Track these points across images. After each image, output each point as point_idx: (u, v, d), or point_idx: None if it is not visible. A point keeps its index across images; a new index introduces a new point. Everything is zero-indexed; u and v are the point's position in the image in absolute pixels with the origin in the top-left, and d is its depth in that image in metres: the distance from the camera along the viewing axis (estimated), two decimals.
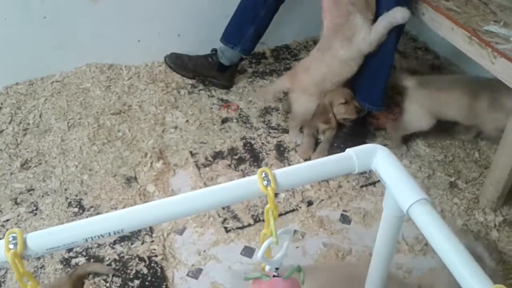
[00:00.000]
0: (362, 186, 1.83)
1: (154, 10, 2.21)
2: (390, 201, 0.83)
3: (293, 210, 1.75)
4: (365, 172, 1.87)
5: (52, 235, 0.72)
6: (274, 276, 0.91)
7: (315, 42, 2.52)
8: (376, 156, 0.84)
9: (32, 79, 2.20)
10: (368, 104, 1.93)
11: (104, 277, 1.51)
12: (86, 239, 0.72)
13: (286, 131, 2.05)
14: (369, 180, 1.86)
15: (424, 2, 1.80)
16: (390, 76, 1.91)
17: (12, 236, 0.70)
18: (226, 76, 2.25)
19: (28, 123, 2.05)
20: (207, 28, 2.31)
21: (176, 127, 2.06)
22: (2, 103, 2.11)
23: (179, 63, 2.25)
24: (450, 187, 1.82)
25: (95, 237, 0.73)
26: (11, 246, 0.69)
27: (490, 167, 1.71)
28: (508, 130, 1.60)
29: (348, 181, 1.84)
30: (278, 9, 2.10)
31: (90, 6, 2.11)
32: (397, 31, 1.80)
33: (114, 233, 0.74)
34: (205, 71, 2.24)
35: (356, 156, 0.84)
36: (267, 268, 0.90)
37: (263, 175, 0.80)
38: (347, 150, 0.86)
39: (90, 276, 1.51)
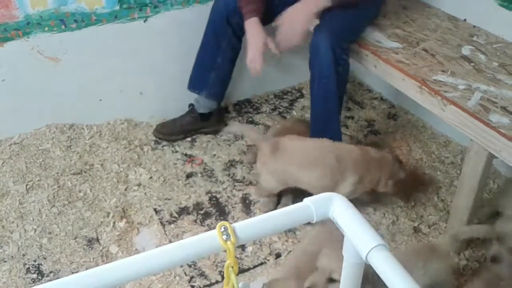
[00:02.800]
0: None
1: (115, 69, 2.24)
2: (349, 248, 0.83)
3: (261, 264, 1.73)
4: None
5: None
6: None
7: (275, 96, 2.64)
8: (333, 204, 0.85)
9: None
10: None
11: None
12: None
13: (251, 183, 2.05)
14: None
15: (375, 55, 1.89)
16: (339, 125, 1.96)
17: None
18: (212, 123, 2.31)
19: None
20: (169, 84, 2.36)
21: (139, 185, 2.04)
22: None
23: (165, 131, 2.29)
24: (415, 232, 1.85)
25: None
26: None
27: (450, 212, 1.76)
28: (463, 175, 1.66)
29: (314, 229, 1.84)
30: (237, 56, 2.17)
31: (50, 67, 2.11)
32: (336, 74, 1.82)
33: None
34: (192, 127, 2.30)
35: (314, 205, 0.85)
36: None
37: (222, 229, 0.80)
38: (305, 199, 0.87)
39: None
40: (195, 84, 2.24)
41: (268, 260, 1.74)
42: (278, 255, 1.76)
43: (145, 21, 2.17)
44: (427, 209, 1.94)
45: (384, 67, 1.86)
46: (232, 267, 0.80)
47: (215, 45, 2.11)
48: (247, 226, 0.82)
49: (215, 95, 2.25)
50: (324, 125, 1.93)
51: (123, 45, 2.19)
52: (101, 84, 2.25)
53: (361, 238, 0.79)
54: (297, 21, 1.85)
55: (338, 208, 0.84)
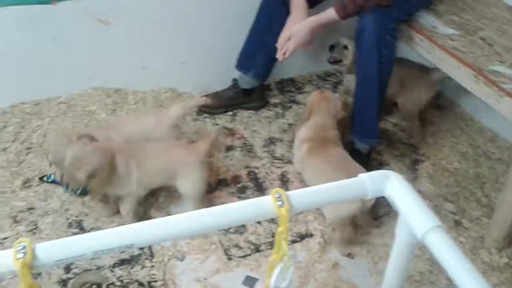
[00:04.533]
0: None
1: (161, 37, 2.25)
2: (403, 228, 0.82)
3: (294, 242, 1.73)
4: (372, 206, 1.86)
5: (62, 247, 0.70)
6: None
7: (319, 77, 2.60)
8: (389, 182, 0.84)
9: (38, 99, 2.21)
10: (364, 138, 1.95)
11: None
12: (96, 252, 0.71)
13: (290, 161, 2.04)
14: (374, 215, 1.84)
15: (430, 41, 1.83)
16: (380, 107, 1.90)
17: (21, 246, 0.68)
18: (255, 98, 2.32)
19: (32, 142, 2.04)
20: (214, 57, 2.36)
21: None
22: (7, 122, 2.11)
23: (209, 105, 2.27)
24: (455, 225, 1.81)
25: (104, 250, 0.71)
26: (20, 256, 0.67)
27: (496, 207, 1.70)
28: None
29: None
30: None
31: (100, 30, 2.14)
32: (379, 57, 1.77)
33: (125, 248, 0.72)
34: (233, 101, 2.30)
35: (370, 181, 0.84)
36: None
37: (277, 195, 0.80)
38: (360, 175, 0.86)
39: None
40: (243, 63, 2.22)
41: (298, 240, 1.73)
42: (310, 235, 1.75)
43: None
44: (470, 203, 1.89)
45: (439, 53, 1.80)
46: (285, 234, 0.80)
47: (267, 25, 2.08)
48: (301, 195, 0.82)
49: (261, 75, 2.24)
50: (362, 108, 1.91)
51: (173, 13, 2.20)
52: (147, 51, 2.27)
53: (418, 218, 0.77)
54: (296, 36, 1.88)
55: (394, 186, 0.83)
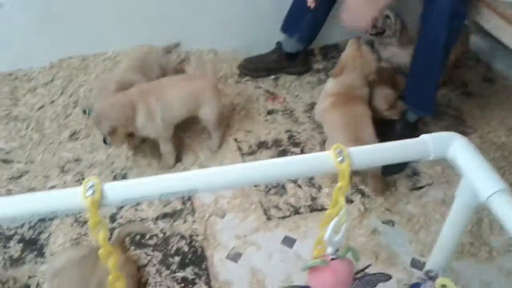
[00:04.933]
0: (411, 190, 1.79)
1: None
2: (465, 190, 0.80)
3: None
4: (414, 175, 1.84)
5: (129, 187, 0.72)
6: (332, 259, 0.90)
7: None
8: (453, 144, 0.82)
9: (85, 54, 2.24)
10: (419, 110, 1.89)
11: (146, 249, 1.53)
12: (161, 194, 0.72)
13: None
14: (416, 185, 1.81)
15: (489, 8, 1.75)
16: (440, 78, 1.82)
17: (90, 184, 0.70)
18: (298, 62, 2.29)
19: (79, 96, 2.08)
20: (258, 19, 2.32)
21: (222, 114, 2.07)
22: (54, 75, 2.16)
23: (250, 67, 2.29)
24: None
25: (169, 193, 0.73)
26: (89, 193, 0.69)
27: None
28: None
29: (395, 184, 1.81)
30: (335, 1, 2.08)
31: None
32: (449, 28, 1.64)
33: (188, 192, 0.74)
34: (277, 65, 2.28)
35: (432, 141, 0.82)
36: (329, 250, 0.89)
37: (338, 151, 0.79)
38: (422, 135, 0.84)
39: (132, 248, 1.53)
40: (288, 26, 2.19)
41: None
42: (350, 201, 1.74)
43: None
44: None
45: (498, 22, 1.72)
46: (344, 189, 0.79)
47: None
48: (362, 152, 0.81)
49: (306, 39, 2.21)
50: (421, 82, 1.81)
51: None
52: (192, 10, 2.25)
53: (483, 180, 0.75)
54: (362, 10, 1.63)
55: (458, 147, 0.81)
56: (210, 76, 1.84)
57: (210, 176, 0.73)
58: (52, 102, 2.06)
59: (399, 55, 2.08)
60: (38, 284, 1.43)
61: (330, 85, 1.86)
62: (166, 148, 1.79)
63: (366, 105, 1.81)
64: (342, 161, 0.78)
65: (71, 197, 0.69)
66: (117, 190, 0.71)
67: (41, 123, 1.97)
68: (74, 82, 2.14)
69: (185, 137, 1.94)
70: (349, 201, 1.73)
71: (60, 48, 2.20)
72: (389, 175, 1.82)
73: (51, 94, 2.09)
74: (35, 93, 2.10)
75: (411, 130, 1.86)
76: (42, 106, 2.04)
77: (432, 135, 0.84)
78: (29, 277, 1.45)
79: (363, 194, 1.75)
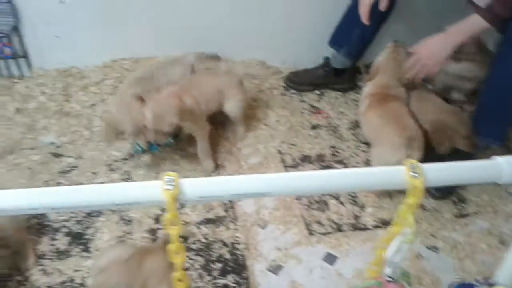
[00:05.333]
0: (456, 217, 1.75)
1: (258, 8, 2.25)
2: None
3: (378, 227, 1.70)
4: (460, 201, 1.80)
5: (204, 185, 0.73)
6: (387, 281, 0.89)
7: None
8: None
9: (137, 57, 2.29)
10: (489, 139, 1.78)
11: (188, 253, 1.53)
12: (234, 195, 0.73)
13: None
14: (462, 212, 1.77)
15: None
16: None
17: (169, 179, 0.71)
18: (344, 80, 2.28)
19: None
20: (306, 34, 2.34)
21: (266, 125, 2.08)
22: (107, 75, 2.22)
23: (296, 80, 2.30)
24: None
25: (242, 194, 0.73)
26: (168, 187, 0.70)
27: None
28: None
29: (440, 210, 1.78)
30: (386, 19, 2.08)
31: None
32: None
33: (260, 195, 0.74)
34: (323, 80, 2.29)
35: (507, 165, 0.81)
36: (388, 271, 0.88)
37: (411, 166, 0.78)
38: (495, 157, 0.83)
39: None
40: (337, 40, 2.19)
41: (381, 226, 1.70)
42: (386, 223, 1.71)
43: None
44: None
45: None
46: (414, 207, 0.78)
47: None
48: (435, 170, 0.80)
49: (354, 54, 2.20)
50: (495, 111, 1.70)
51: None
52: (245, 21, 2.29)
53: None
54: (436, 55, 1.66)
55: None
56: (235, 73, 1.95)
57: (284, 181, 0.73)
58: (103, 100, 2.11)
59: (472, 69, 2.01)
60: (82, 278, 1.45)
61: (366, 88, 1.93)
62: (204, 152, 1.81)
63: (401, 102, 1.84)
64: (415, 176, 0.77)
65: (151, 190, 0.71)
66: (193, 187, 0.72)
67: (91, 120, 2.02)
68: None
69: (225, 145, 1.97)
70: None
71: (114, 49, 2.26)
72: (436, 199, 1.78)
73: (102, 93, 2.14)
74: (87, 91, 2.15)
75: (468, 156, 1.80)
76: (93, 104, 2.09)
77: (506, 158, 0.82)
78: (74, 271, 1.48)
79: None
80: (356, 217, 1.72)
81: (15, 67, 2.18)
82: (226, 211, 1.70)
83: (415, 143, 1.66)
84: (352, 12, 2.10)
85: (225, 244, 1.58)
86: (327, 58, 2.29)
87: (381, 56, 1.96)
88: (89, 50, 2.23)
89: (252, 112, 2.12)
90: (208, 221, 1.66)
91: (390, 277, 0.87)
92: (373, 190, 1.74)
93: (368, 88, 1.92)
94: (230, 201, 1.73)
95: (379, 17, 2.08)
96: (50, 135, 1.94)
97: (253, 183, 0.73)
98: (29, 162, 1.83)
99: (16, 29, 2.07)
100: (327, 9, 2.21)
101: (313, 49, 2.35)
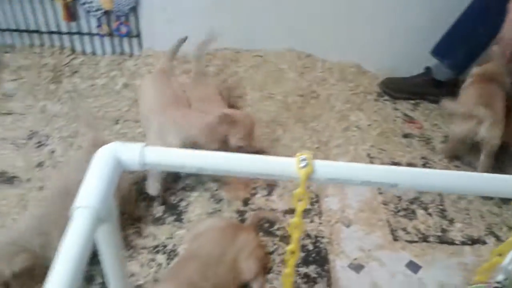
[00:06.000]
0: None
1: (363, 12, 2.27)
2: None
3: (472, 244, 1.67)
4: None
5: (337, 168, 0.77)
6: (495, 287, 0.88)
7: None
8: None
9: (238, 48, 2.39)
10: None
11: (273, 238, 1.59)
12: (364, 182, 0.76)
13: (470, 165, 1.95)
14: None
15: None
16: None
17: (303, 158, 0.76)
18: (443, 92, 2.21)
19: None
20: (406, 41, 2.32)
21: (358, 127, 2.09)
22: (209, 62, 2.33)
23: (392, 87, 2.29)
24: None
25: (371, 182, 0.77)
26: (302, 165, 0.75)
27: None
28: None
29: None
30: (497, 33, 2.02)
31: None
32: None
33: (388, 186, 0.77)
34: (420, 90, 2.26)
35: None
36: (500, 277, 0.88)
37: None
38: None
39: (261, 234, 1.60)
40: (441, 50, 2.15)
41: (469, 243, 1.66)
42: (483, 242, 1.66)
43: None
44: None
45: None
46: None
47: (482, 17, 1.97)
48: None
49: (459, 67, 2.14)
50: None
51: None
52: (345, 23, 2.31)
53: None
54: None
55: None
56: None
57: (415, 175, 0.76)
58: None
59: None
60: (174, 245, 1.55)
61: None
62: None
63: (501, 87, 1.88)
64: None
65: (286, 165, 0.76)
66: (326, 169, 0.76)
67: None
68: (225, 72, 2.29)
69: None
70: (482, 241, 1.66)
71: (218, 39, 2.36)
72: None
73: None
74: (189, 75, 2.27)
75: None
76: None
77: None
78: (167, 238, 1.58)
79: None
80: (444, 231, 1.69)
81: (127, 45, 2.35)
82: (312, 204, 1.74)
83: (494, 125, 1.73)
84: (462, 25, 2.06)
85: (308, 236, 1.62)
86: (428, 68, 2.25)
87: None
88: (196, 37, 2.34)
89: (345, 114, 2.14)
90: (293, 211, 1.69)
91: (498, 282, 0.86)
92: (494, 195, 1.69)
93: (476, 69, 1.97)
94: (317, 196, 1.77)
95: (493, 29, 2.02)
96: None
97: (384, 173, 0.76)
98: (132, 133, 1.97)
99: (134, 10, 2.24)
100: (432, 17, 2.19)
101: (412, 57, 2.32)
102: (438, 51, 2.16)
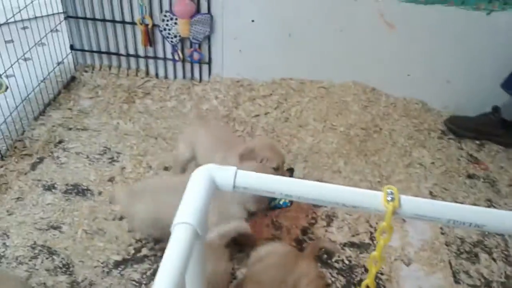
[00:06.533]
0: None
1: (435, 51, 2.27)
2: None
3: None
4: None
5: (422, 204, 0.78)
6: None
7: None
8: None
9: (304, 79, 2.44)
10: None
11: (331, 270, 1.59)
12: (452, 221, 0.77)
13: None
14: None
15: None
16: None
17: (390, 191, 0.78)
18: (511, 133, 2.17)
19: (290, 114, 2.28)
20: (475, 82, 2.29)
21: (421, 164, 2.07)
22: (273, 91, 2.40)
23: (459, 124, 2.26)
24: None
25: (457, 221, 0.77)
26: (389, 199, 0.77)
27: None
28: None
29: None
30: None
31: (382, 31, 2.25)
32: None
33: (475, 226, 0.77)
34: (487, 129, 2.21)
35: None
36: None
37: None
38: None
39: (319, 265, 1.60)
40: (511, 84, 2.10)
41: None
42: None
43: (488, 14, 2.13)
44: None
45: None
46: None
47: None
48: None
49: None
50: None
51: (456, 30, 2.19)
52: (412, 61, 2.32)
53: None
54: None
55: None
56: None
57: (503, 218, 0.76)
58: (266, 113, 2.28)
59: None
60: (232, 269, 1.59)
61: None
62: None
63: None
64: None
65: (373, 198, 0.78)
66: (413, 204, 0.77)
67: (254, 129, 2.20)
68: (288, 101, 2.34)
69: None
70: None
71: (284, 68, 2.44)
72: None
73: (267, 106, 2.32)
74: (254, 102, 2.35)
75: None
76: (258, 115, 2.27)
77: None
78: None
79: None
80: (508, 277, 1.63)
81: (197, 71, 2.47)
82: (371, 239, 1.73)
83: None
84: None
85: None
86: (496, 107, 2.21)
87: None
88: (263, 66, 2.43)
89: (407, 150, 2.13)
90: (352, 245, 1.70)
91: None
92: None
93: None
94: (375, 230, 1.76)
95: None
96: None
97: (471, 214, 0.76)
98: None
99: (208, 38, 2.35)
100: (503, 52, 2.15)
101: (479, 98, 2.30)
102: (509, 85, 2.11)
